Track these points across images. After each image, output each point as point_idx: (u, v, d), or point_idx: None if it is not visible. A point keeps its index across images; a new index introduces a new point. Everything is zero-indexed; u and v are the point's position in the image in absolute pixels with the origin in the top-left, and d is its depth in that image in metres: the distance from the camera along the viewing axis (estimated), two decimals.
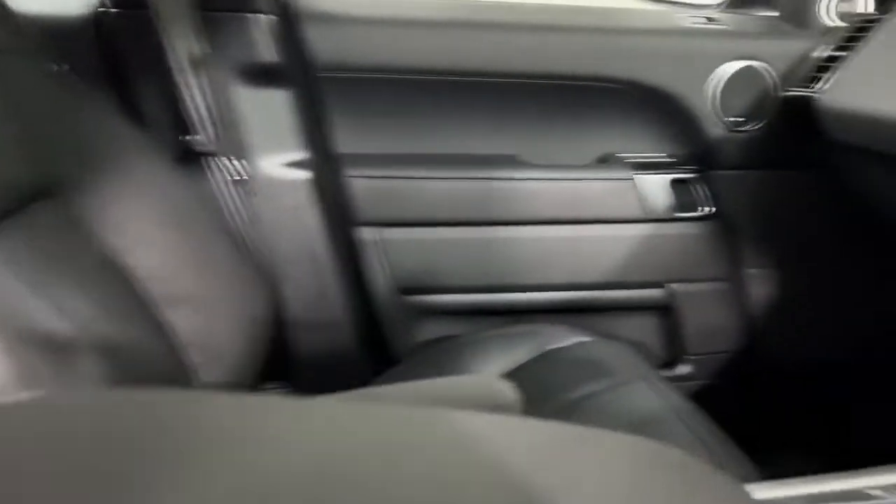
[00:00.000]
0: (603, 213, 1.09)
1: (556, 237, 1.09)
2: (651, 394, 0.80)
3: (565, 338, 0.93)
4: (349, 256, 1.04)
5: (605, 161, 1.11)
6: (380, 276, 1.06)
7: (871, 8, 1.04)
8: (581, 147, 1.12)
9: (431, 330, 1.11)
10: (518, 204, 1.08)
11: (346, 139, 1.05)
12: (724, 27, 1.08)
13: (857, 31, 0.97)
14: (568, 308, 1.10)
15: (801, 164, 1.07)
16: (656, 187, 1.09)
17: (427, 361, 0.96)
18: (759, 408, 1.15)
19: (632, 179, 1.08)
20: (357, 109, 1.06)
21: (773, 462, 1.09)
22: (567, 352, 0.91)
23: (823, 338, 1.14)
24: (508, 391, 0.54)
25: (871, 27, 0.95)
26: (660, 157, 1.11)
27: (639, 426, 0.75)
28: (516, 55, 1.03)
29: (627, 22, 1.08)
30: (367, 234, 1.05)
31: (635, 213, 1.08)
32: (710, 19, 1.09)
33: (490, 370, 0.89)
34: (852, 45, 0.96)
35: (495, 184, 1.07)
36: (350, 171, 1.04)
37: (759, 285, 1.12)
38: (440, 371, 0.91)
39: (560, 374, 0.87)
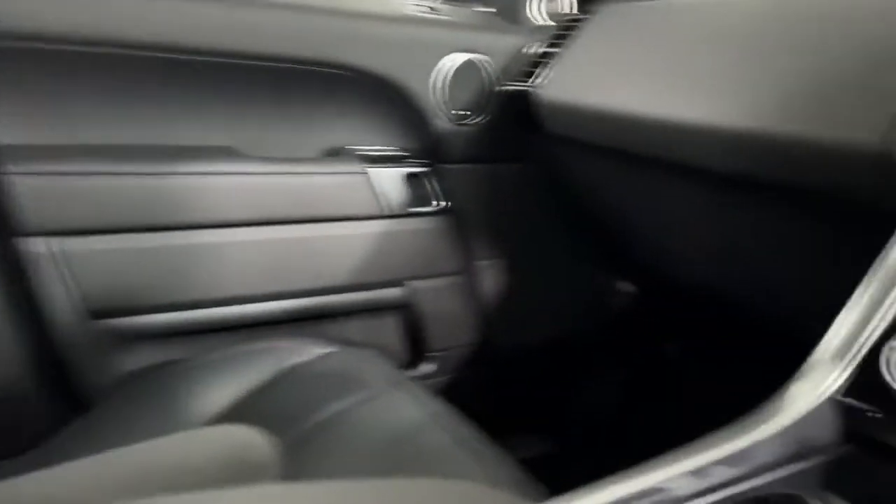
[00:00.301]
0: (336, 210, 1.00)
1: (285, 238, 0.97)
2: (407, 402, 0.74)
3: (306, 351, 0.82)
4: (12, 276, 0.80)
5: (336, 154, 1.03)
6: (61, 299, 0.83)
7: (574, 9, 1.11)
8: (308, 138, 1.02)
9: (141, 359, 0.90)
10: (237, 203, 0.94)
11: (3, 126, 0.81)
12: (449, 18, 1.07)
13: (564, 29, 1.03)
14: (305, 317, 0.99)
15: (524, 157, 1.10)
16: (390, 182, 1.03)
17: (134, 399, 0.77)
18: (499, 395, 1.17)
19: (366, 174, 1.01)
20: (15, 89, 0.82)
21: (521, 446, 1.12)
22: (310, 366, 0.80)
23: (548, 320, 1.20)
24: (261, 443, 0.41)
25: (575, 26, 1.02)
26: (392, 150, 1.06)
27: (399, 439, 0.68)
28: (228, 31, 0.89)
29: (353, 5, 1.01)
30: (38, 245, 0.82)
31: (370, 209, 1.02)
32: (432, 9, 1.07)
33: (218, 398, 0.75)
34: (561, 43, 1.02)
35: (208, 180, 0.92)
36: (9, 167, 0.79)
37: (490, 276, 1.13)
38: (152, 409, 0.73)
39: (305, 392, 0.76)
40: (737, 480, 0.41)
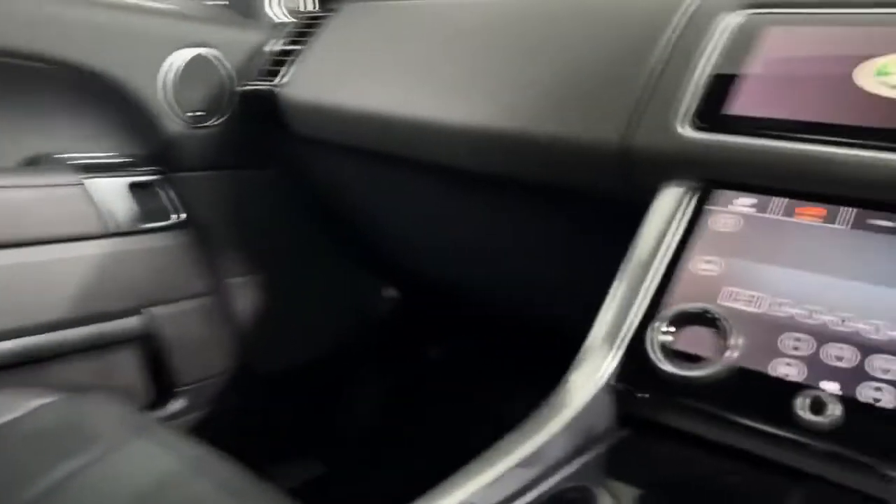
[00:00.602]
0: (44, 230, 0.83)
1: None
2: (154, 450, 0.63)
3: (16, 404, 0.67)
4: None
5: (38, 163, 0.86)
6: None
7: (315, 6, 1.06)
8: (3, 145, 0.84)
9: None
10: None
11: None
12: (177, 10, 0.95)
13: (306, 26, 0.98)
14: (13, 363, 0.80)
15: (269, 161, 1.03)
16: (113, 194, 0.89)
17: None
18: (262, 423, 1.07)
19: (81, 185, 0.85)
20: None
21: (291, 474, 1.04)
22: (21, 424, 0.66)
23: (310, 336, 1.14)
24: None
25: (317, 24, 0.97)
26: (113, 157, 0.92)
27: (146, 497, 0.57)
28: None
29: None
30: None
31: (90, 227, 0.87)
32: None
33: None
34: (303, 41, 0.96)
35: None
36: None
37: (243, 295, 1.04)
38: None
39: (13, 460, 0.61)
40: (534, 483, 0.40)
